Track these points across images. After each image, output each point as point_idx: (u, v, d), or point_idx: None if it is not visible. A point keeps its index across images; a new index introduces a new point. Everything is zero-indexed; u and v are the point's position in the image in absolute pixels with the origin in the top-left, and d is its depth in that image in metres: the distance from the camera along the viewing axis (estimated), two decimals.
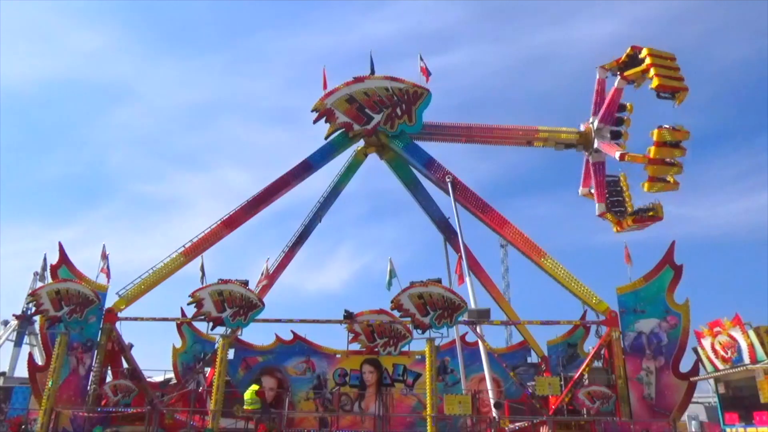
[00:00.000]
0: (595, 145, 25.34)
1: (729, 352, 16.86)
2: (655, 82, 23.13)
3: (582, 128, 26.00)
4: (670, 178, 23.53)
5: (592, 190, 26.09)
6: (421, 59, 26.08)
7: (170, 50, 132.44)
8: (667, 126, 23.20)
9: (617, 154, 24.03)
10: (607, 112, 25.18)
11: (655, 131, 23.26)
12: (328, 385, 22.92)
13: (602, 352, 20.81)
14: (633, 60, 24.14)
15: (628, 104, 25.30)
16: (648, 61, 23.36)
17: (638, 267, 21.92)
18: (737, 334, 16.51)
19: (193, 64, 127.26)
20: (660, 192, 23.88)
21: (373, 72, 25.94)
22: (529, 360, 23.91)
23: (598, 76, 25.67)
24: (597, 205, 25.55)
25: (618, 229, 25.43)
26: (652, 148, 23.21)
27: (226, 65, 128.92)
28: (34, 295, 21.50)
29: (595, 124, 25.34)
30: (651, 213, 24.34)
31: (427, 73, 25.98)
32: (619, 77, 24.74)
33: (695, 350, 18.91)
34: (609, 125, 25.15)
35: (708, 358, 17.96)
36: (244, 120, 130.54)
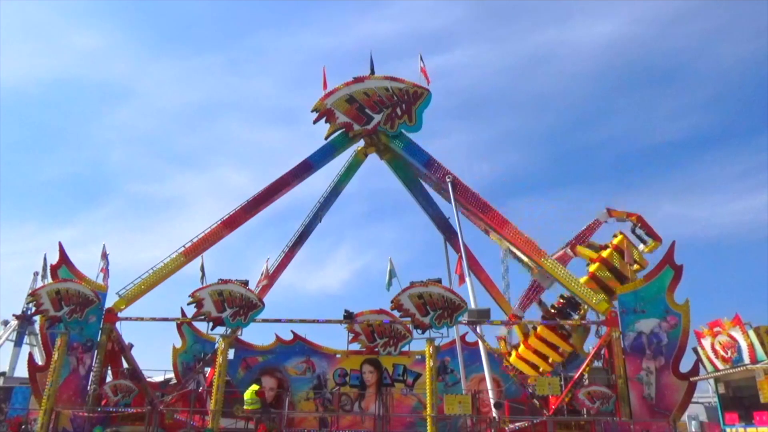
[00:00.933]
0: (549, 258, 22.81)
1: (729, 352, 16.85)
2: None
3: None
4: (596, 299, 20.80)
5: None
6: (422, 60, 26.07)
7: (170, 50, 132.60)
8: (633, 243, 21.70)
9: (568, 249, 22.67)
10: (576, 239, 23.22)
11: (620, 236, 21.68)
12: (328, 385, 22.93)
13: (602, 352, 20.80)
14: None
15: (583, 307, 21.85)
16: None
17: None
18: (737, 334, 16.50)
19: (193, 64, 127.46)
20: (591, 303, 21.05)
21: (373, 72, 25.92)
22: None
23: (597, 216, 23.10)
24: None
25: (510, 360, 22.28)
26: (609, 251, 21.55)
27: (225, 65, 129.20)
28: (34, 295, 21.49)
29: (556, 252, 23.24)
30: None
31: (426, 75, 25.89)
32: (605, 210, 22.89)
33: (695, 350, 18.90)
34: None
35: (708, 358, 17.95)
36: (243, 120, 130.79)
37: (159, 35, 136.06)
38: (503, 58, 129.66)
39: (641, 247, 21.94)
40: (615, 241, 21.84)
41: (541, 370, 21.30)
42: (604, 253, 21.64)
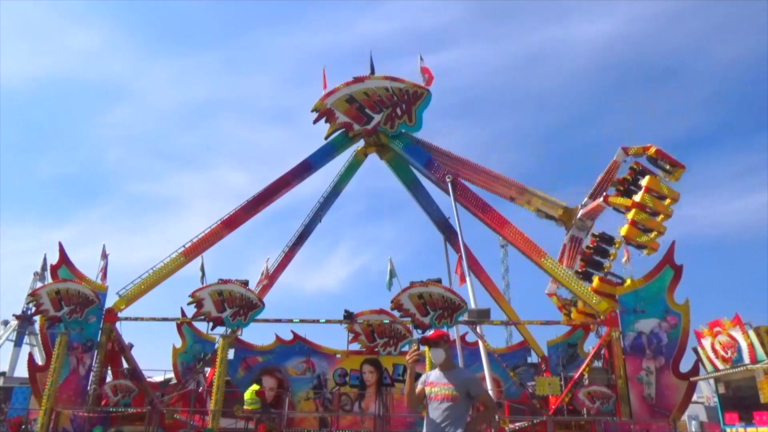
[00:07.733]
0: (578, 215, 23.93)
1: (729, 352, 16.84)
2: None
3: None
4: (646, 238, 21.40)
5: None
6: (422, 59, 26.03)
7: (167, 49, 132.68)
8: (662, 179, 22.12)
9: (600, 200, 22.87)
10: (599, 186, 23.76)
11: (648, 177, 22.11)
12: (328, 385, 22.91)
13: (602, 352, 20.80)
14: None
15: (617, 239, 22.41)
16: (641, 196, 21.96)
17: (638, 267, 21.96)
18: (737, 334, 16.49)
19: (190, 63, 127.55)
20: (637, 246, 21.73)
21: (372, 71, 25.90)
22: (529, 360, 23.92)
23: (615, 158, 23.45)
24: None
25: (570, 315, 23.28)
26: (641, 193, 21.91)
27: (223, 63, 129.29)
28: (34, 295, 21.50)
29: (585, 201, 24.06)
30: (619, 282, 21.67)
31: (430, 73, 25.80)
32: (620, 150, 23.27)
33: (695, 350, 18.89)
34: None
35: (708, 358, 17.94)
36: (242, 119, 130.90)
37: (156, 34, 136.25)
38: (501, 56, 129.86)
39: (667, 178, 22.32)
40: (645, 182, 22.09)
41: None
42: (639, 196, 21.91)
